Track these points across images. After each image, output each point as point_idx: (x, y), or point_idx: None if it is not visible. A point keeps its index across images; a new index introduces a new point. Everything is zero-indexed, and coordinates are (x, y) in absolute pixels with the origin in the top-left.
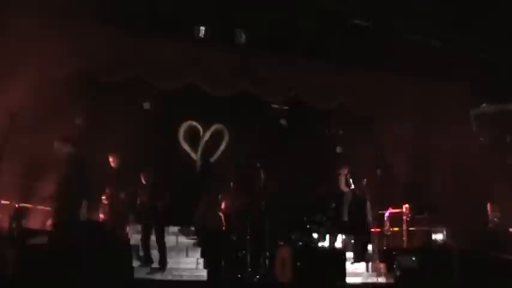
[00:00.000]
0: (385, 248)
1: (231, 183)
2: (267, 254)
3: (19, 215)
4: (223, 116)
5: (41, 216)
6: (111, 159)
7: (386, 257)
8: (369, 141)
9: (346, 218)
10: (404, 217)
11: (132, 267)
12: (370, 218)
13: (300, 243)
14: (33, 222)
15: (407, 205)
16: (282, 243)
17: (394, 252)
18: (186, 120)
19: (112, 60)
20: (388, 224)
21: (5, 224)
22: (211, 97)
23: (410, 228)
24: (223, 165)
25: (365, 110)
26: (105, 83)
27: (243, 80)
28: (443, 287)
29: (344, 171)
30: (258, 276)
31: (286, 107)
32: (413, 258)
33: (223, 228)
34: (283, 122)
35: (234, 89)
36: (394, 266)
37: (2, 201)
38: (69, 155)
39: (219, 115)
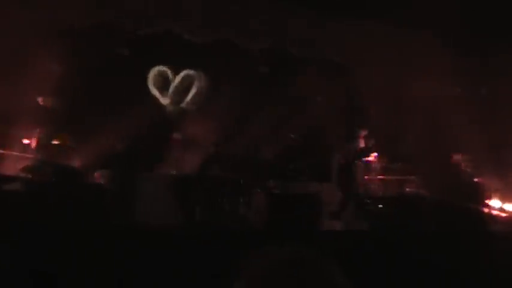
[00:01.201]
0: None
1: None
2: (243, 201)
3: None
4: (199, 61)
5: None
6: None
7: (360, 204)
8: (346, 90)
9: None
10: (373, 165)
11: (107, 211)
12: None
13: (277, 190)
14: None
15: (375, 154)
16: (259, 190)
17: (367, 200)
18: (157, 65)
19: (87, 5)
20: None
21: None
22: (190, 43)
23: (381, 177)
24: (197, 112)
25: (344, 58)
26: (79, 29)
27: (223, 26)
28: (413, 235)
29: None
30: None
31: (266, 55)
32: (381, 206)
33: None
34: (263, 69)
35: (214, 35)
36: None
37: None
38: None
39: (194, 61)
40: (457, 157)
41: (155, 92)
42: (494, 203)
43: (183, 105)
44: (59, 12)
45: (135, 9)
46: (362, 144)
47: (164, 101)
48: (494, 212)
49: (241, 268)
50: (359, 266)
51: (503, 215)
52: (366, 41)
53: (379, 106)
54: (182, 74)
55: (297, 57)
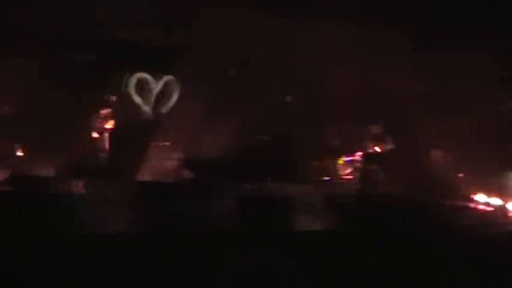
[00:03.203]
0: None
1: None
2: (214, 205)
3: None
4: (171, 67)
5: None
6: None
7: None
8: (315, 91)
9: None
10: (358, 165)
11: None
12: None
13: (246, 193)
14: None
15: (360, 153)
16: (229, 193)
17: (339, 200)
18: (135, 72)
19: (47, 11)
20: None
21: None
22: (157, 48)
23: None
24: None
25: (309, 59)
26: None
27: (186, 30)
28: (385, 233)
29: None
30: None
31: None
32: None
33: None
34: (232, 72)
35: (178, 39)
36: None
37: None
38: None
39: (166, 66)
40: (434, 154)
41: (137, 98)
42: (480, 197)
43: (164, 111)
44: (23, 17)
45: (98, 16)
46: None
47: (145, 107)
48: (480, 207)
49: (214, 270)
50: (331, 266)
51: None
52: (326, 41)
53: (347, 105)
54: (163, 80)
55: (262, 58)
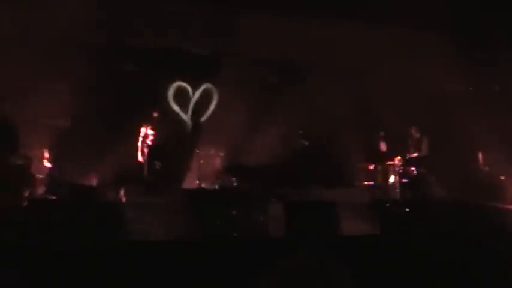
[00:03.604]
0: (378, 200)
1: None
2: (260, 211)
3: None
4: (211, 75)
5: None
6: None
7: (378, 208)
8: (360, 95)
9: None
10: (397, 169)
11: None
12: None
13: (292, 198)
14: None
15: (399, 157)
16: (274, 199)
17: (387, 204)
18: (173, 80)
19: (92, 23)
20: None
21: None
22: (196, 57)
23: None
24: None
25: (350, 64)
26: (88, 45)
27: (227, 39)
28: (433, 236)
29: None
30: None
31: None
32: (407, 209)
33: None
34: (272, 79)
35: (217, 47)
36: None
37: None
38: None
39: (206, 74)
40: (477, 156)
41: (176, 107)
42: None
43: (203, 119)
44: (66, 30)
45: (140, 26)
46: (383, 147)
47: (185, 116)
48: None
49: (260, 277)
50: (376, 272)
51: None
52: (371, 44)
53: (391, 107)
54: (201, 88)
55: (302, 64)
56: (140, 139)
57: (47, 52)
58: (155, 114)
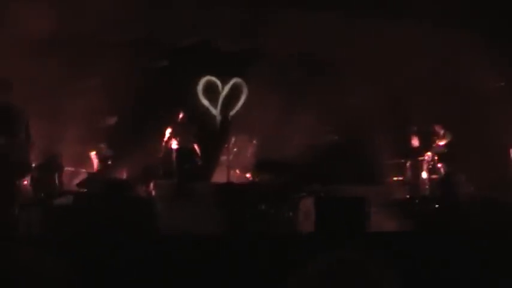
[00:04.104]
0: (408, 196)
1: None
2: (290, 206)
3: None
4: (239, 70)
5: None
6: None
7: (408, 205)
8: (390, 91)
9: None
10: (426, 165)
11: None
12: None
13: (322, 193)
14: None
15: (429, 153)
16: (304, 194)
17: (416, 201)
18: (203, 75)
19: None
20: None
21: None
22: (225, 52)
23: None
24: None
25: (383, 60)
26: (117, 43)
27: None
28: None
29: None
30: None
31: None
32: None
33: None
34: (303, 75)
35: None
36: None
37: None
38: None
39: (235, 69)
40: (508, 153)
41: (205, 102)
42: None
43: (232, 113)
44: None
45: (170, 22)
46: (415, 142)
47: (214, 110)
48: None
49: (291, 273)
50: (409, 267)
51: None
52: (401, 41)
53: (422, 104)
54: (231, 83)
55: (332, 60)
56: (168, 135)
57: (80, 50)
58: (183, 113)
